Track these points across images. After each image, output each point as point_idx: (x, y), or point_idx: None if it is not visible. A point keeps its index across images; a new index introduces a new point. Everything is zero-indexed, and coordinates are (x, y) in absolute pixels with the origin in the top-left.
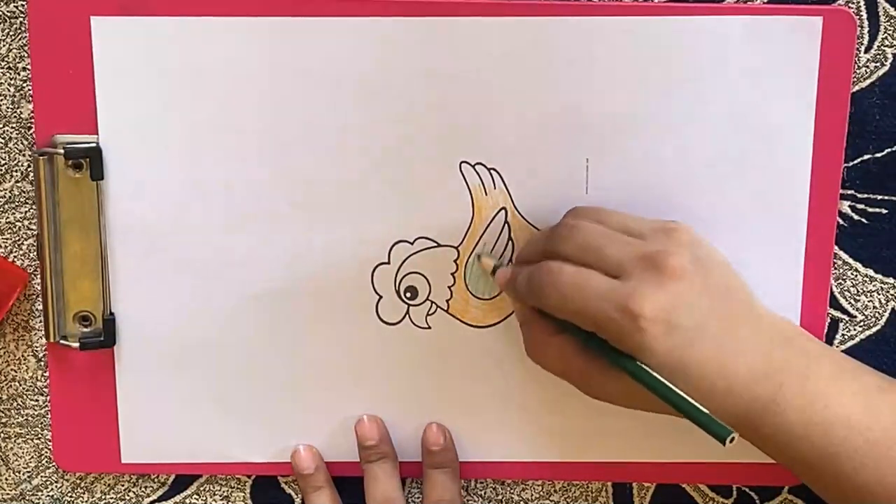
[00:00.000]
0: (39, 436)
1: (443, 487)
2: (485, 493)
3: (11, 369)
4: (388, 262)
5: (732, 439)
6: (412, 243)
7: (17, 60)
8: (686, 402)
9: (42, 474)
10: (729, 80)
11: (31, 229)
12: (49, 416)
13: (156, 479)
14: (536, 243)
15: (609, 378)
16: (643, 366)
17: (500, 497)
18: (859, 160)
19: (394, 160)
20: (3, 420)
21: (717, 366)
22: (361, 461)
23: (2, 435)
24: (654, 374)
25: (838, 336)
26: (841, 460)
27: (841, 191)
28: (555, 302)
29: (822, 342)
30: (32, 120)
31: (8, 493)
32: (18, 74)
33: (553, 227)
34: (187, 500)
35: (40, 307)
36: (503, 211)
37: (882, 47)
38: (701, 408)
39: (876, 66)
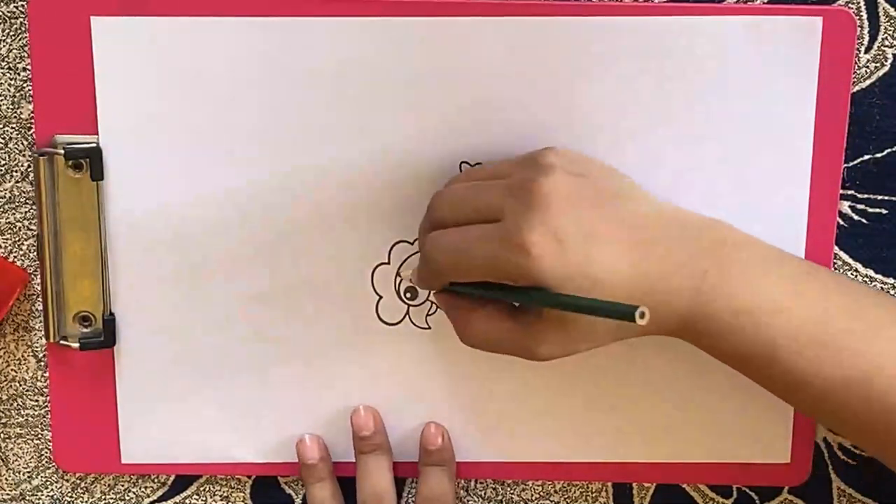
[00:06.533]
0: (39, 436)
1: (436, 483)
2: (485, 493)
3: (11, 369)
4: (388, 262)
5: (643, 314)
6: (412, 243)
7: (17, 60)
8: (592, 303)
9: (42, 474)
10: (729, 80)
11: (31, 229)
12: (49, 416)
13: (156, 480)
14: (420, 228)
15: (540, 328)
16: (549, 291)
17: (500, 497)
18: (859, 160)
19: (394, 160)
20: (3, 420)
21: (628, 268)
22: (355, 452)
23: (2, 435)
24: (560, 293)
25: None
26: (775, 349)
27: (841, 191)
28: (447, 267)
29: (742, 231)
30: (32, 120)
31: (8, 493)
32: (18, 74)
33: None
34: (187, 501)
35: (40, 307)
36: None
37: (882, 47)
38: (603, 299)
39: (876, 66)
